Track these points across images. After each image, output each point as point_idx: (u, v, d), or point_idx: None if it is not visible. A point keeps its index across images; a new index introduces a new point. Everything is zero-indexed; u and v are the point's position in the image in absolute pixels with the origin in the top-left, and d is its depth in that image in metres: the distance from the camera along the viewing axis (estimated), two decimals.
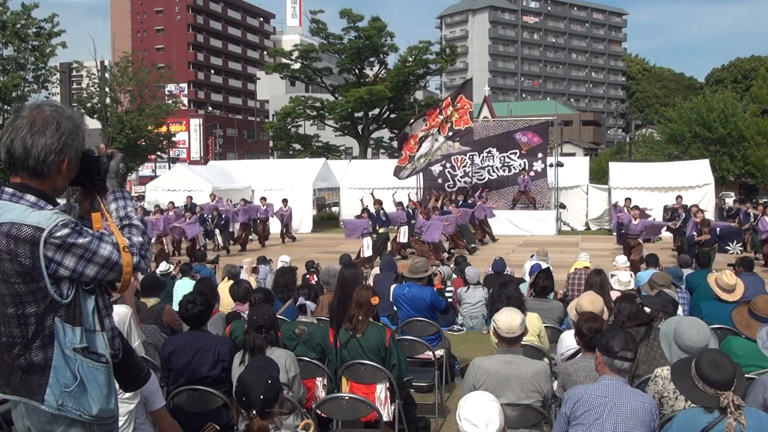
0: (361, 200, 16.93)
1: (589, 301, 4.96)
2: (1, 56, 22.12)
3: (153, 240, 15.84)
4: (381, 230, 15.59)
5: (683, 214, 16.08)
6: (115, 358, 2.26)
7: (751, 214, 16.24)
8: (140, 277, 6.99)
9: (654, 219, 16.42)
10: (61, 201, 2.29)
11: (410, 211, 16.29)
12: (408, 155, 18.07)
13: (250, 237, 19.34)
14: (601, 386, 3.24)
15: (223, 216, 18.70)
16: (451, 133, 17.79)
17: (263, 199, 20.31)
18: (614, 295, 6.98)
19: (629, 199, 18.17)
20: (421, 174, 22.87)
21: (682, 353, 3.62)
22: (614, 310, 4.71)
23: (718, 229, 14.57)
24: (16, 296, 2.04)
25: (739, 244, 15.41)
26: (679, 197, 18.18)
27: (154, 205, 19.90)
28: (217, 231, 19.07)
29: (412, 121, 19.31)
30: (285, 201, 20.57)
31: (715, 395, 2.91)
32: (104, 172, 2.27)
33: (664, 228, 16.70)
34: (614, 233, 17.77)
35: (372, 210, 15.84)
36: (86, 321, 2.13)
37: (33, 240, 2.01)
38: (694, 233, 14.09)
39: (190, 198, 19.43)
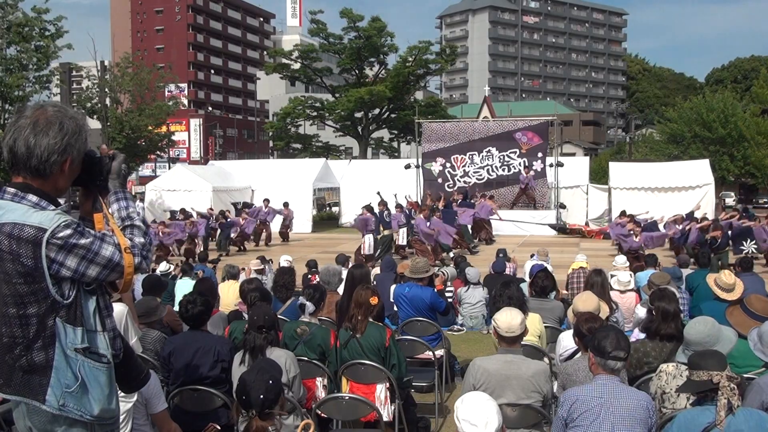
0: (379, 195, 16.70)
1: (582, 302, 4.97)
2: (4, 56, 22.09)
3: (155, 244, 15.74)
4: (386, 232, 15.58)
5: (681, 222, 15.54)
6: (116, 358, 2.26)
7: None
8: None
9: (653, 226, 15.65)
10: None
11: (407, 211, 16.28)
12: None
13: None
14: (597, 387, 3.24)
15: (228, 221, 18.51)
16: None
17: (266, 200, 20.04)
18: (614, 295, 6.99)
19: (624, 212, 17.30)
20: (421, 173, 22.96)
21: (688, 349, 3.62)
22: (652, 309, 4.57)
23: (729, 232, 14.30)
24: (18, 297, 2.04)
25: (753, 242, 14.94)
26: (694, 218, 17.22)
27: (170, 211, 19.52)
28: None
29: None
30: (286, 204, 20.40)
31: (708, 378, 2.95)
32: (106, 173, 2.27)
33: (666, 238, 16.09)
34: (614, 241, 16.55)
35: (376, 210, 15.81)
36: (87, 321, 2.13)
37: (35, 240, 2.01)
38: (695, 237, 13.92)
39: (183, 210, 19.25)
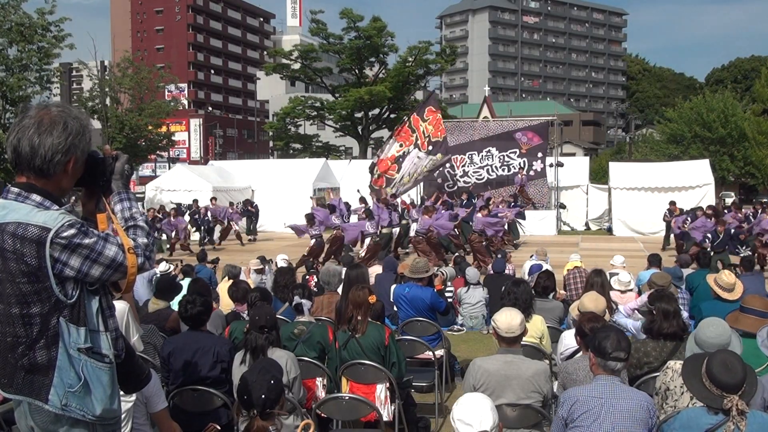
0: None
1: (592, 300, 4.96)
2: (6, 57, 22.08)
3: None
4: (384, 230, 15.54)
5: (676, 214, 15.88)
6: (117, 358, 2.27)
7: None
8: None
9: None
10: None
11: (401, 211, 16.34)
12: (385, 178, 18.21)
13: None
14: (597, 387, 3.24)
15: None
16: (431, 147, 17.94)
17: (351, 196, 18.99)
18: (614, 295, 6.99)
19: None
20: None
21: (698, 349, 3.62)
22: (652, 310, 4.54)
23: (732, 230, 14.32)
24: (21, 296, 2.05)
25: (748, 248, 15.00)
26: (672, 203, 18.15)
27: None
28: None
29: (382, 146, 19.44)
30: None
31: (720, 396, 2.87)
32: (109, 174, 2.28)
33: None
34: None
35: (375, 208, 15.76)
36: (90, 321, 2.13)
37: (39, 240, 2.02)
38: (708, 236, 14.03)
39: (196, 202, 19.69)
